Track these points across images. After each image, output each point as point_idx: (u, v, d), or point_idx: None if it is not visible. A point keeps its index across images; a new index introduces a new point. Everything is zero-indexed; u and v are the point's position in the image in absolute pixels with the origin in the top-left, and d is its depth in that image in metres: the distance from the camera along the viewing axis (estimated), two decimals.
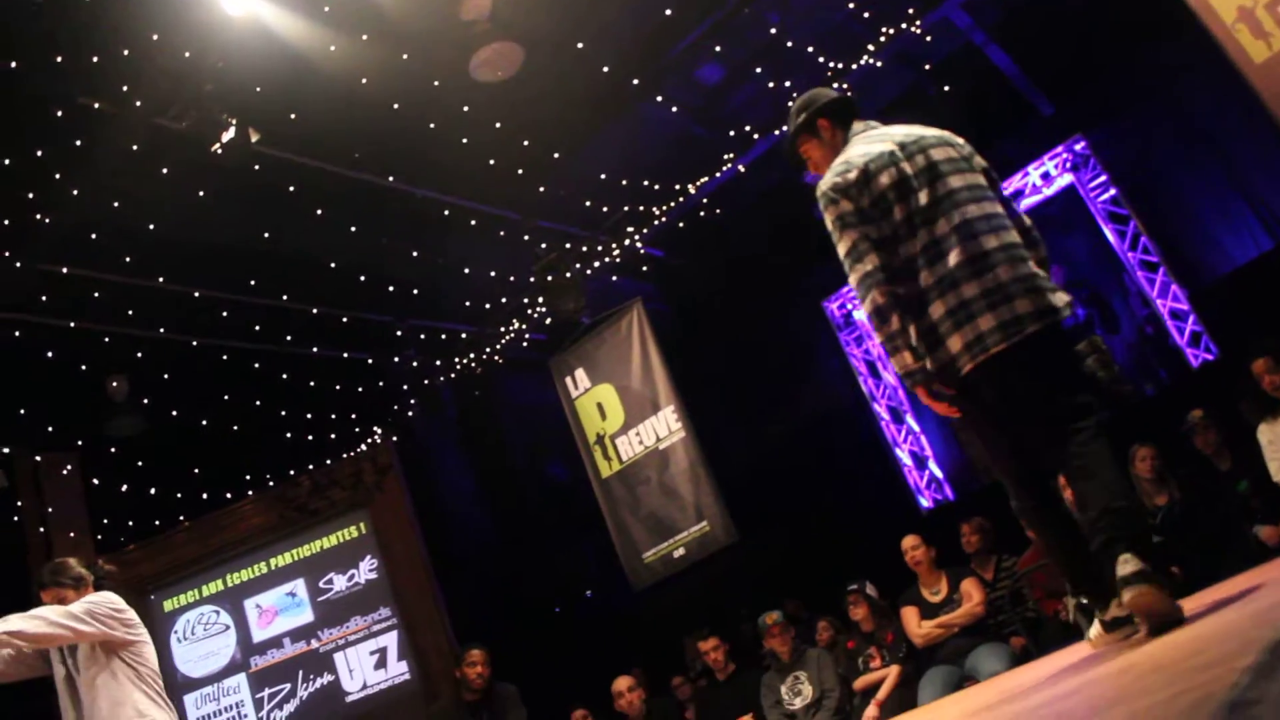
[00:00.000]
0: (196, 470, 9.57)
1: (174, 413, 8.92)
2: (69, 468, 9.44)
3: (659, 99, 8.13)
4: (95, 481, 9.43)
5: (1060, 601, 5.96)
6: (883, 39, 8.23)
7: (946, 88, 8.97)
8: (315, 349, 8.89)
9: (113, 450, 9.08)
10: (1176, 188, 9.19)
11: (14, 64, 5.60)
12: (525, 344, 10.32)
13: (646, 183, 8.88)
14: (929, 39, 8.41)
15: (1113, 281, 9.91)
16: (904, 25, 8.16)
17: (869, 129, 3.64)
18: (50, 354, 7.96)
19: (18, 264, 7.01)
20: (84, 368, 8.18)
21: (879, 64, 8.38)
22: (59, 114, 6.07)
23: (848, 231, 3.36)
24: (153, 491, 9.48)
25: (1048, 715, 2.21)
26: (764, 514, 9.64)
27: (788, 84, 8.27)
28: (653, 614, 9.64)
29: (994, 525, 6.86)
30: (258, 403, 9.12)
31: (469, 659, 6.99)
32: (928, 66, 8.97)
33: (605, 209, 9.10)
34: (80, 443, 9.27)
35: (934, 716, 4.57)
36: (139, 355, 8.19)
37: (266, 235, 7.49)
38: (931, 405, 3.39)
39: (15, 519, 9.03)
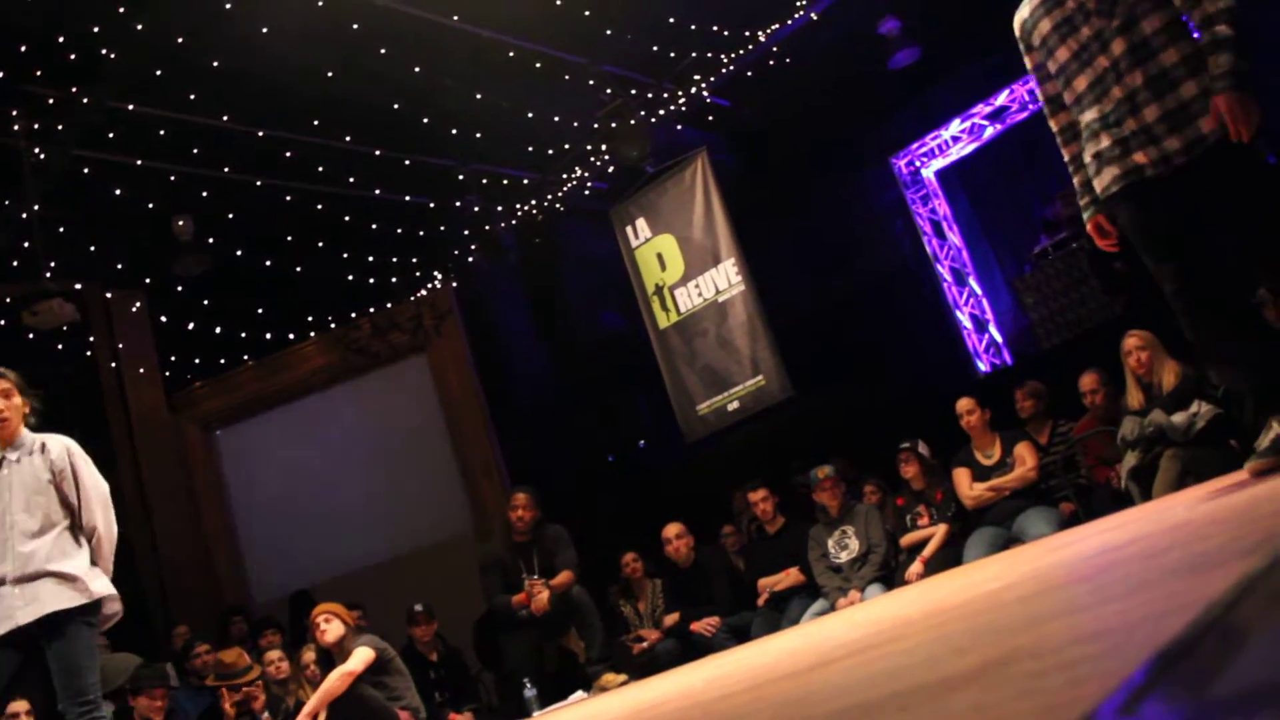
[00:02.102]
0: (260, 310, 9.75)
1: (239, 253, 9.03)
2: (138, 305, 9.65)
3: None
4: (163, 319, 9.65)
5: (1113, 469, 5.95)
6: None
7: None
8: (378, 191, 8.88)
9: (179, 289, 9.24)
10: None
11: None
12: (587, 192, 10.22)
13: (715, 28, 8.60)
14: None
15: None
16: None
17: None
18: (118, 191, 8.04)
19: (85, 100, 7.02)
20: (151, 206, 8.26)
21: None
22: None
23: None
24: (218, 330, 9.70)
25: (1101, 564, 2.21)
26: (821, 371, 9.62)
27: None
28: (705, 465, 9.76)
29: (1051, 390, 6.81)
30: (320, 244, 9.19)
31: (512, 502, 7.19)
32: None
33: (672, 54, 8.86)
34: (148, 281, 9.46)
35: (981, 570, 4.60)
36: (204, 195, 8.25)
37: (330, 75, 7.40)
38: None
39: (89, 353, 9.29)
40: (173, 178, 8.05)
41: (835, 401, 9.35)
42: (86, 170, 7.74)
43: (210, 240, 8.59)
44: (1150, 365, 5.88)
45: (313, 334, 10.15)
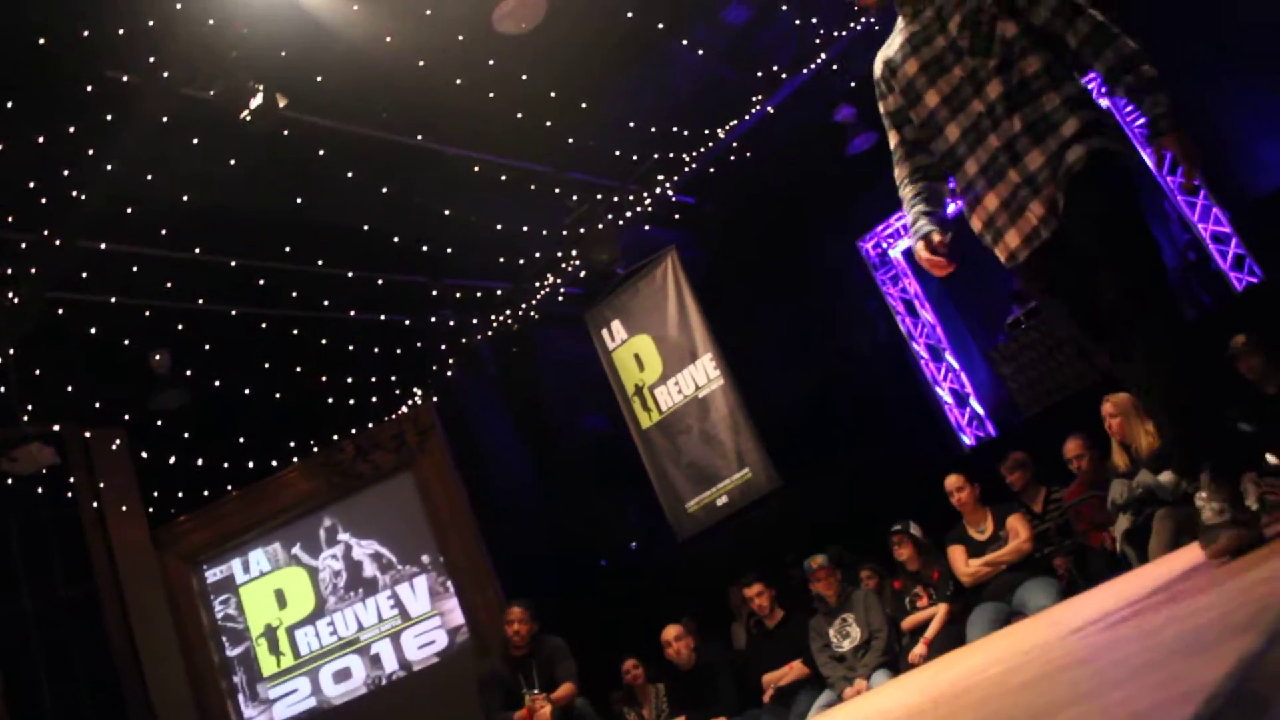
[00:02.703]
0: (241, 439, 9.68)
1: (216, 383, 9.00)
2: (118, 442, 9.57)
3: (684, 42, 8.03)
4: (144, 455, 9.56)
5: (1107, 532, 5.94)
6: None
7: None
8: (352, 313, 8.92)
9: (159, 423, 9.19)
10: (1213, 105, 8.95)
11: (42, 40, 5.60)
12: (561, 298, 10.31)
13: (675, 129, 8.79)
14: None
15: (1152, 208, 9.74)
16: None
17: None
18: (93, 330, 8.04)
19: (56, 242, 7.06)
20: (127, 342, 8.26)
21: None
22: (88, 89, 6.09)
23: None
24: (200, 462, 9.62)
25: (1100, 643, 2.19)
26: (806, 458, 9.61)
27: (814, 21, 8.14)
28: (698, 563, 9.67)
29: (1038, 458, 6.82)
30: (298, 369, 9.18)
31: (508, 617, 7.09)
32: None
33: (635, 158, 9.03)
34: (127, 417, 9.40)
35: (984, 651, 4.54)
36: (180, 327, 8.25)
37: (299, 201, 7.49)
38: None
39: (69, 494, 9.18)
40: (147, 313, 8.05)
41: (823, 487, 9.32)
42: (60, 311, 7.75)
43: (188, 373, 8.59)
44: (1124, 430, 5.93)
45: (295, 459, 10.08)
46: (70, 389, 8.69)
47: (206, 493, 9.90)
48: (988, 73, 3.01)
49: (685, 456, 9.80)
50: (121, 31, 5.76)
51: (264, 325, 8.55)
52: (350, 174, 7.44)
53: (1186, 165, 2.89)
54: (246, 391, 9.15)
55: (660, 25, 7.56)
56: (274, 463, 10.02)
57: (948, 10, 3.11)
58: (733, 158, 9.31)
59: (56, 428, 8.74)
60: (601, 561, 10.98)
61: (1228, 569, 2.43)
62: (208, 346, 8.59)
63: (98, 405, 9.11)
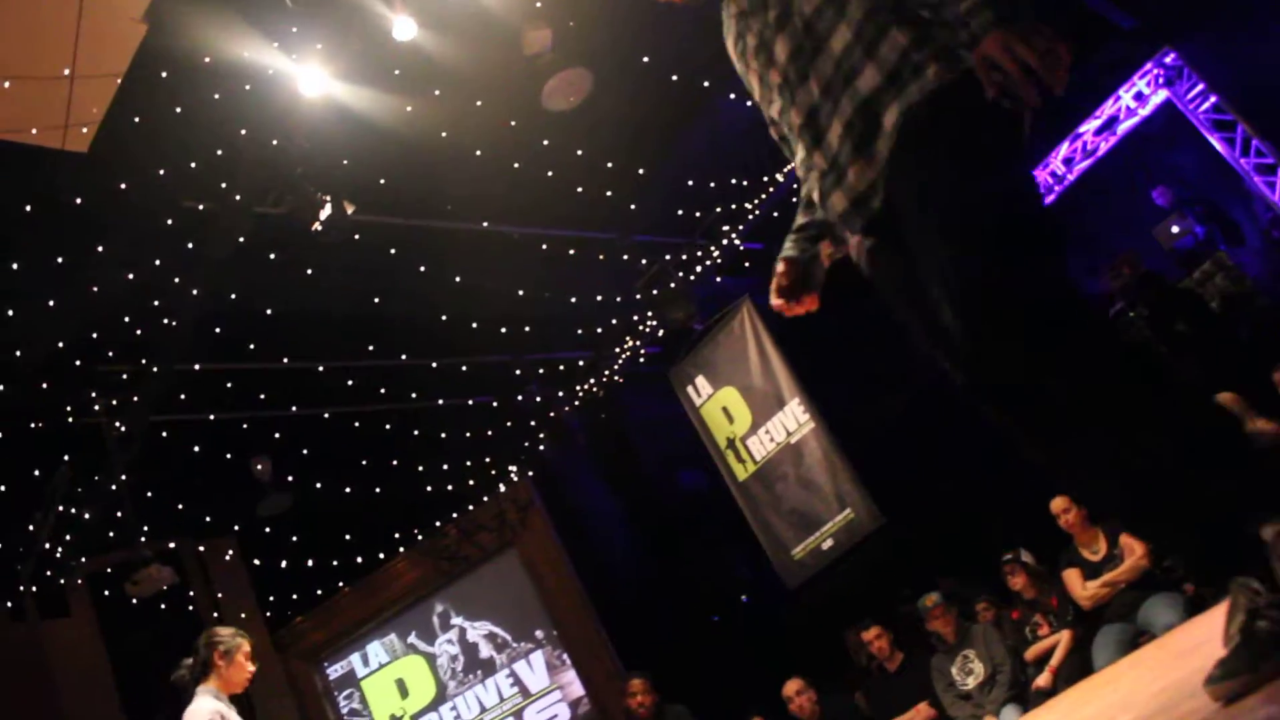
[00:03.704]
0: (348, 536, 9.86)
1: (318, 485, 9.20)
2: (230, 552, 9.84)
3: (731, 96, 8.08)
4: (256, 561, 9.81)
5: None
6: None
7: None
8: (440, 401, 9.07)
9: (267, 529, 9.42)
10: None
11: (123, 185, 5.87)
12: (642, 359, 10.36)
13: (734, 180, 8.83)
14: None
15: (1229, 192, 9.49)
16: None
17: None
18: (196, 447, 8.30)
19: (154, 369, 7.33)
20: (229, 455, 8.50)
21: None
22: (169, 221, 6.34)
23: None
24: (310, 563, 9.82)
25: None
26: (908, 492, 9.45)
27: None
28: (812, 610, 9.54)
29: None
30: (394, 462, 9.35)
31: (629, 690, 7.08)
32: None
33: (698, 213, 9.09)
34: (237, 527, 9.66)
35: (1111, 689, 4.20)
36: (277, 435, 8.49)
37: (376, 300, 7.67)
38: None
39: (190, 608, 9.44)
40: (245, 425, 8.31)
41: (929, 520, 9.15)
42: (164, 434, 8.02)
43: (289, 478, 8.80)
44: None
45: (402, 550, 10.25)
46: (180, 506, 8.97)
47: (320, 591, 10.10)
48: (770, 31, 2.23)
49: (785, 504, 9.70)
50: (194, 164, 6.01)
51: (356, 424, 8.73)
52: (423, 268, 7.61)
53: (1014, 69, 1.82)
54: (347, 490, 9.33)
55: (705, 84, 7.62)
56: (381, 555, 10.19)
57: None
58: (794, 199, 9.29)
59: (172, 545, 9.01)
60: (713, 617, 10.88)
61: None
62: (305, 450, 8.80)
63: (208, 518, 9.39)
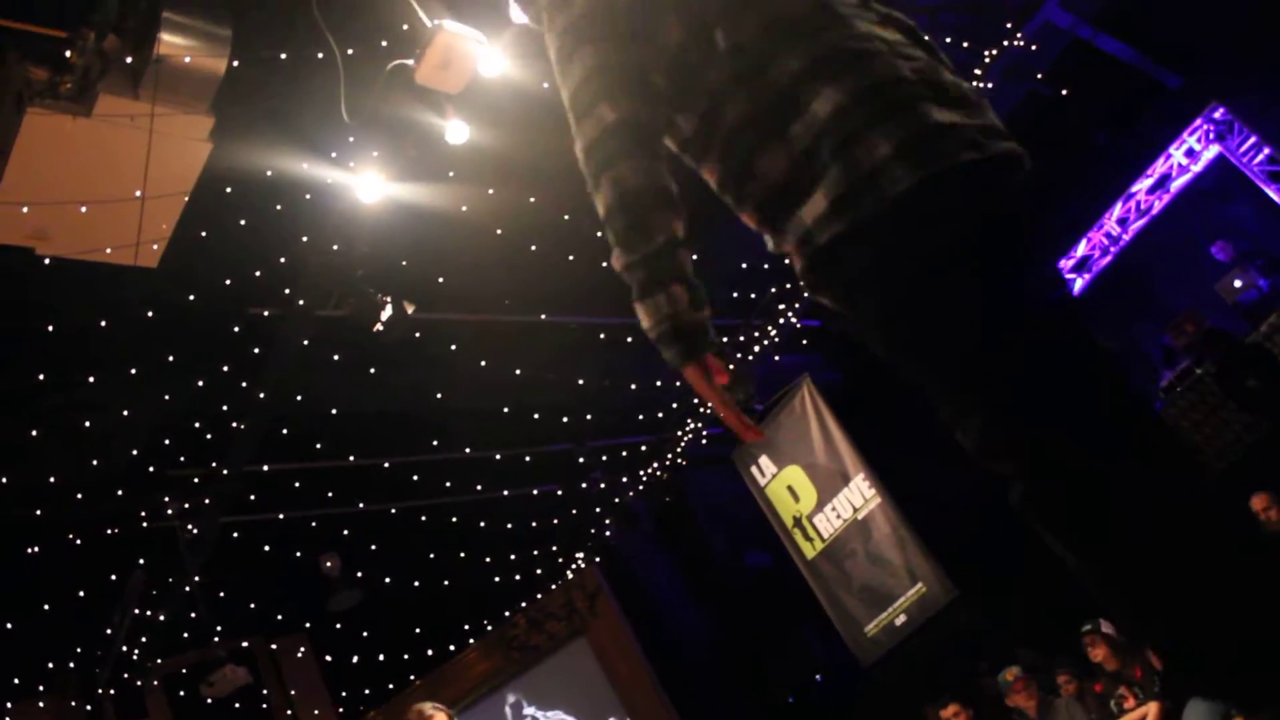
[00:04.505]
0: (417, 630, 9.88)
1: (387, 580, 9.25)
2: (303, 649, 9.89)
3: None
4: (328, 658, 9.84)
5: None
6: (987, 60, 8.11)
7: (1064, 91, 8.74)
8: (505, 492, 9.11)
9: (338, 625, 9.47)
10: None
11: (191, 297, 6.05)
12: (704, 442, 10.34)
13: (786, 260, 8.86)
14: (1034, 47, 8.26)
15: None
16: (1005, 42, 8.05)
17: None
18: (266, 547, 8.42)
19: (224, 472, 7.47)
20: (299, 553, 8.60)
21: (989, 85, 8.24)
22: (235, 330, 6.51)
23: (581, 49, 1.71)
24: (381, 658, 9.82)
25: None
26: (981, 563, 9.26)
27: None
28: (888, 688, 9.33)
29: None
30: (462, 555, 9.38)
31: None
32: (1040, 75, 8.77)
33: (753, 295, 9.13)
34: (308, 624, 9.72)
35: None
36: (345, 532, 8.57)
37: (439, 395, 7.78)
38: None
39: (264, 706, 9.49)
40: (314, 523, 8.41)
41: (1003, 591, 8.94)
42: (235, 534, 8.15)
43: (359, 574, 8.86)
44: None
45: (472, 641, 10.23)
46: (253, 605, 9.07)
47: (391, 685, 10.08)
48: None
49: (856, 581, 9.57)
50: (258, 273, 6.19)
51: (424, 518, 8.80)
52: (483, 362, 7.71)
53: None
54: (416, 583, 9.37)
55: None
56: (452, 647, 10.17)
57: None
58: None
59: (245, 644, 9.09)
60: (789, 698, 10.68)
61: None
62: (374, 546, 8.87)
63: (279, 616, 9.47)
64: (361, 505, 8.42)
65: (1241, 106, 8.98)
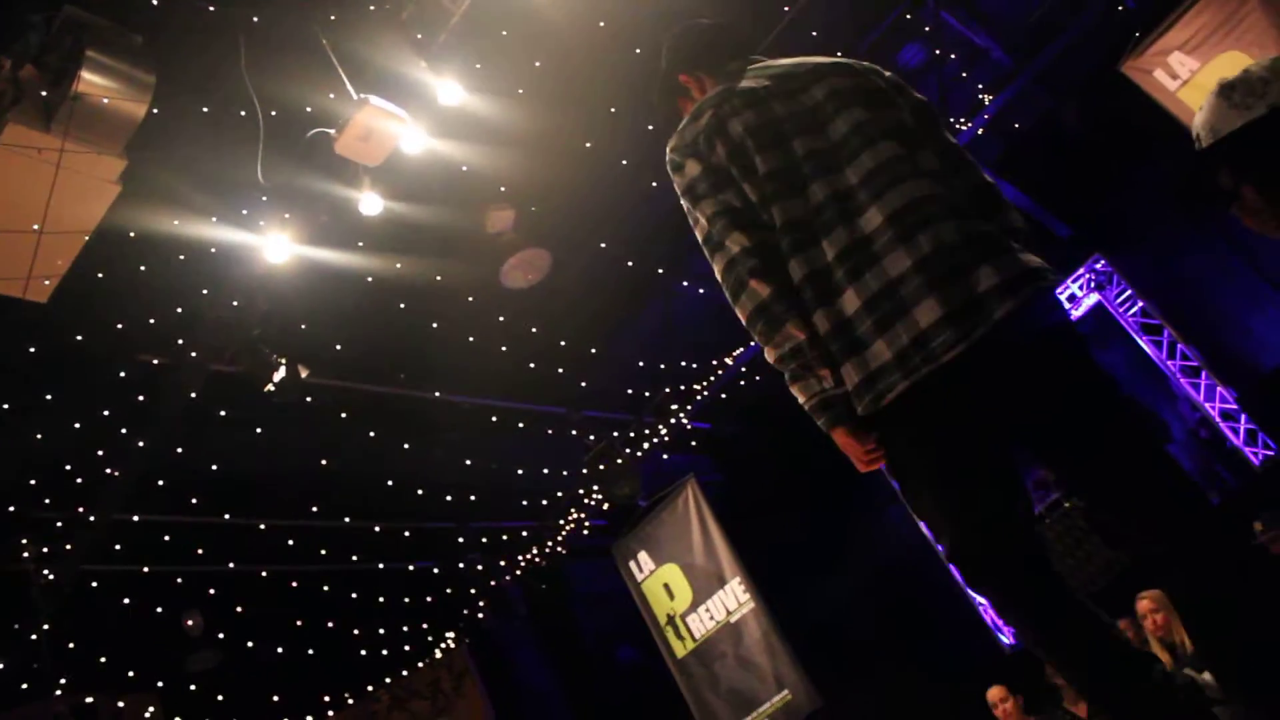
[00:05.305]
0: (276, 698, 9.59)
1: (249, 643, 9.02)
2: (151, 709, 9.50)
3: (685, 283, 8.40)
4: (178, 719, 9.49)
5: None
6: None
7: None
8: (381, 565, 9.01)
9: (192, 687, 9.16)
10: (1205, 290, 9.27)
11: (79, 337, 5.97)
12: (586, 532, 10.39)
13: (684, 362, 9.09)
14: None
15: (1158, 391, 9.88)
16: None
17: (755, 66, 2.54)
18: (125, 600, 8.15)
19: (91, 518, 7.28)
20: (159, 609, 8.35)
21: None
22: (121, 374, 6.42)
23: (701, 204, 2.39)
24: None
25: None
26: (845, 673, 9.43)
27: None
28: None
29: None
30: (330, 624, 9.20)
31: None
32: None
33: (647, 393, 9.31)
34: (160, 684, 9.37)
35: None
36: (211, 591, 8.36)
37: (324, 462, 7.73)
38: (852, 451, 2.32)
39: None
40: (179, 579, 8.19)
41: (866, 703, 9.11)
42: (94, 584, 7.89)
43: (220, 635, 8.62)
44: (1167, 626, 5.84)
45: (331, 713, 9.96)
46: (103, 659, 8.74)
47: None
48: None
49: (724, 683, 9.62)
50: (152, 320, 6.14)
51: (294, 584, 8.64)
52: (372, 433, 7.70)
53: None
54: (279, 649, 9.15)
55: (660, 270, 7.94)
56: (309, 718, 9.89)
57: None
58: (742, 382, 9.56)
59: (90, 700, 8.73)
60: None
61: None
62: (239, 608, 8.66)
63: (130, 673, 9.12)
64: (231, 565, 8.25)
65: (1121, 260, 9.59)
